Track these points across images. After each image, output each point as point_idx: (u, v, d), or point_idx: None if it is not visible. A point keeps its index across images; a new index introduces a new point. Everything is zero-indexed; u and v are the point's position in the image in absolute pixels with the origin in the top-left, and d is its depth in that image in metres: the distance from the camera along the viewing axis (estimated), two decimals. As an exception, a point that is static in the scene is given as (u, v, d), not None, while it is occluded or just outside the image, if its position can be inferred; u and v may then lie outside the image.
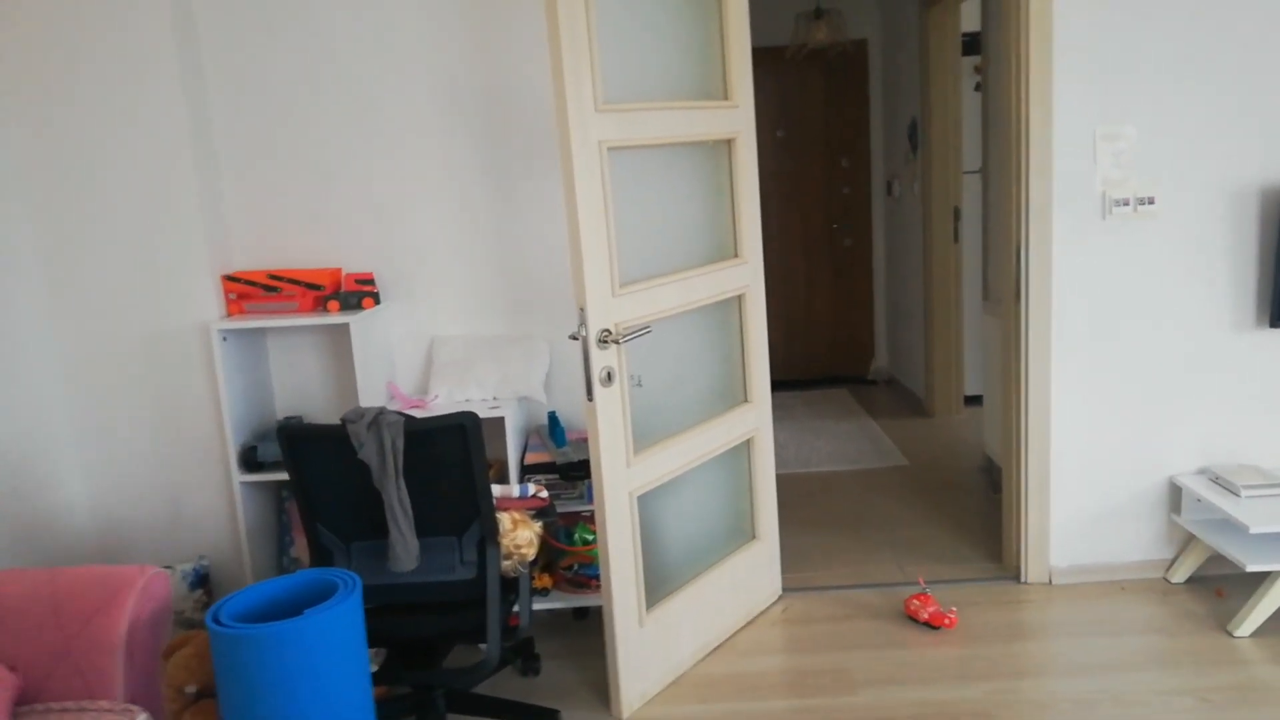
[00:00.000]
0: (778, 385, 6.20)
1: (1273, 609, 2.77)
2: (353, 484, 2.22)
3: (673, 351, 2.76)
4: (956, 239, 5.17)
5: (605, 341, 2.42)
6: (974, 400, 5.35)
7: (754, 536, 3.12)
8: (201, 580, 2.91)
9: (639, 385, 2.61)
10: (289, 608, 2.02)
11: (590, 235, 2.37)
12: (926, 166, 5.14)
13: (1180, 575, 3.14)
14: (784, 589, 3.27)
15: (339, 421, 2.17)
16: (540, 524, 2.42)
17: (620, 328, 2.47)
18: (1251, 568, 2.74)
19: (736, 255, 2.93)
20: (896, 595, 3.18)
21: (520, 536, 2.33)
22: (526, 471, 2.87)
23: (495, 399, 2.93)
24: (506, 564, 2.35)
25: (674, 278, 2.65)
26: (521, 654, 2.82)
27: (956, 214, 5.14)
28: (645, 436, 2.63)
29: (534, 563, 2.92)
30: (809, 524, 3.84)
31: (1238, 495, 2.90)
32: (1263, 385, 3.07)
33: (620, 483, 2.50)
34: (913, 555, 3.49)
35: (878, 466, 4.51)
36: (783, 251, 6.12)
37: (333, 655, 1.86)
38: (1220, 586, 3.08)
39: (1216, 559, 3.13)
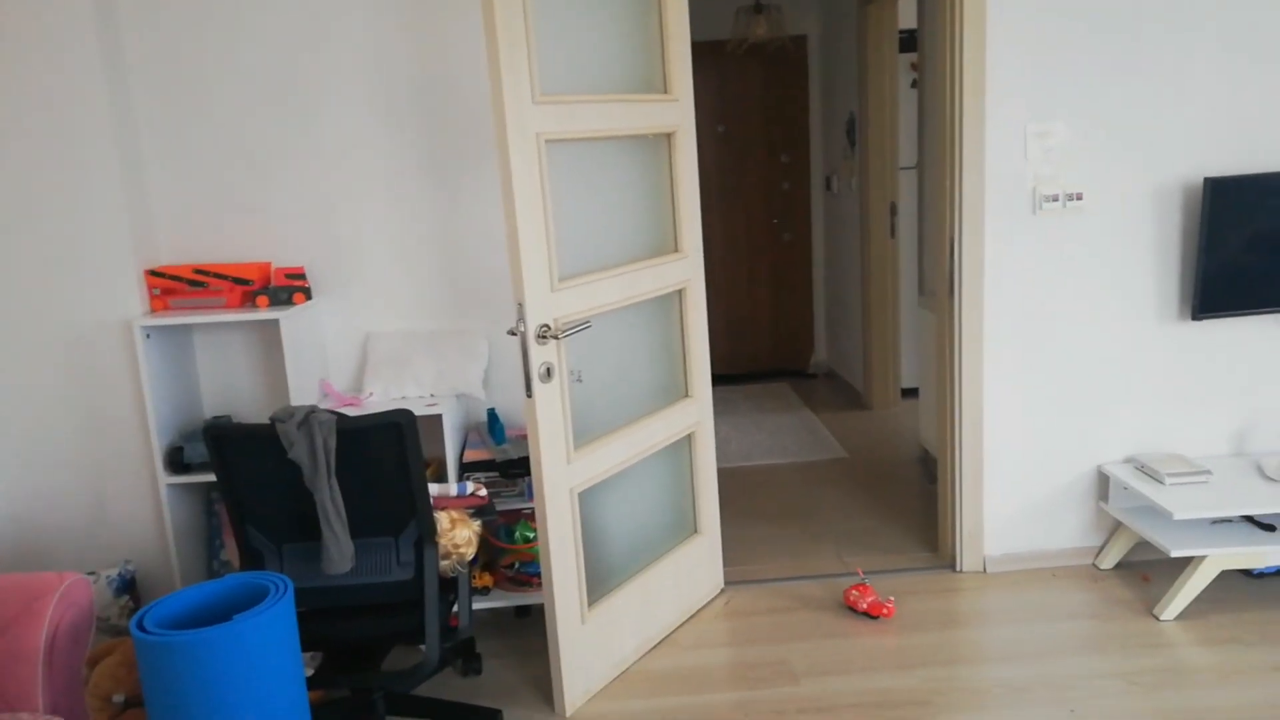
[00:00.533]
0: (719, 379, 6.22)
1: (1196, 592, 2.86)
2: (283, 485, 2.16)
3: (613, 347, 2.74)
4: (893, 234, 5.24)
5: (544, 337, 2.40)
6: (911, 393, 5.44)
7: (696, 531, 3.12)
8: (127, 586, 2.81)
9: (579, 381, 2.58)
10: (218, 613, 1.96)
11: (528, 229, 2.34)
12: (864, 162, 5.21)
13: (1108, 561, 3.23)
14: (726, 582, 3.28)
15: (268, 420, 2.11)
16: (479, 522, 2.38)
17: (559, 323, 2.45)
18: (1176, 553, 2.82)
19: (677, 250, 2.93)
20: (836, 586, 3.21)
21: (459, 535, 2.30)
22: (465, 469, 2.83)
23: (433, 396, 2.88)
24: (445, 563, 2.31)
25: (614, 272, 2.64)
26: (462, 654, 2.78)
27: (893, 209, 5.22)
28: (586, 432, 2.62)
29: (473, 561, 2.88)
30: (751, 517, 3.87)
31: (1162, 483, 2.99)
32: (1186, 376, 3.17)
33: (560, 480, 2.48)
34: (852, 546, 3.53)
35: (818, 459, 4.56)
36: (724, 247, 6.15)
37: (264, 661, 1.80)
38: (1146, 572, 3.18)
39: (1143, 545, 3.23)
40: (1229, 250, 3.01)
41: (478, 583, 2.89)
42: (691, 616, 3.06)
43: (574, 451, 2.53)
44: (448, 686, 2.73)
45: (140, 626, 1.79)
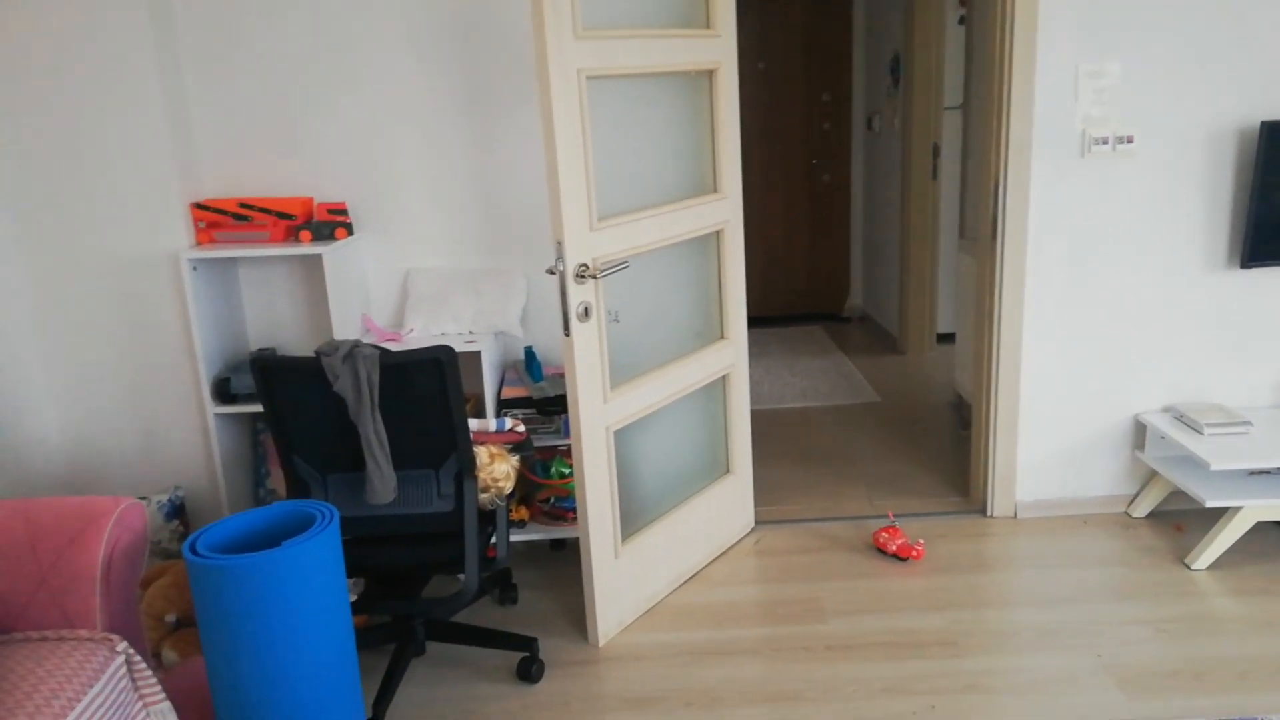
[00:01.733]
0: (753, 322, 6.21)
1: (1229, 543, 2.86)
2: (328, 417, 2.22)
3: (651, 287, 2.74)
4: (935, 176, 5.15)
5: (582, 276, 2.41)
6: (946, 338, 5.40)
7: (728, 471, 3.15)
8: (177, 511, 2.91)
9: (616, 321, 2.60)
10: (267, 539, 2.02)
11: (568, 168, 2.34)
12: (908, 102, 5.09)
13: (1141, 510, 3.23)
14: (757, 522, 3.33)
15: (313, 354, 2.15)
16: (517, 458, 2.43)
17: (598, 262, 2.45)
18: (1211, 503, 2.82)
19: (716, 190, 2.91)
20: (866, 528, 3.24)
21: (497, 470, 2.35)
22: (503, 406, 2.88)
23: (471, 333, 2.91)
24: (484, 497, 2.36)
25: (653, 212, 2.63)
26: (499, 584, 2.86)
27: (936, 151, 5.12)
28: (622, 372, 2.64)
29: (511, 495, 2.95)
30: (783, 458, 3.90)
31: (1200, 433, 2.97)
32: (1231, 326, 3.12)
33: (597, 418, 2.51)
34: (883, 489, 3.55)
35: (850, 403, 4.56)
36: (761, 187, 6.08)
37: (311, 586, 1.87)
38: (1180, 521, 3.18)
39: (1177, 495, 3.21)
40: (1284, 197, 2.93)
41: (515, 516, 2.96)
42: (722, 554, 3.11)
43: (610, 391, 2.55)
44: (485, 615, 2.81)
45: (193, 550, 1.86)
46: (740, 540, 3.20)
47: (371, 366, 2.13)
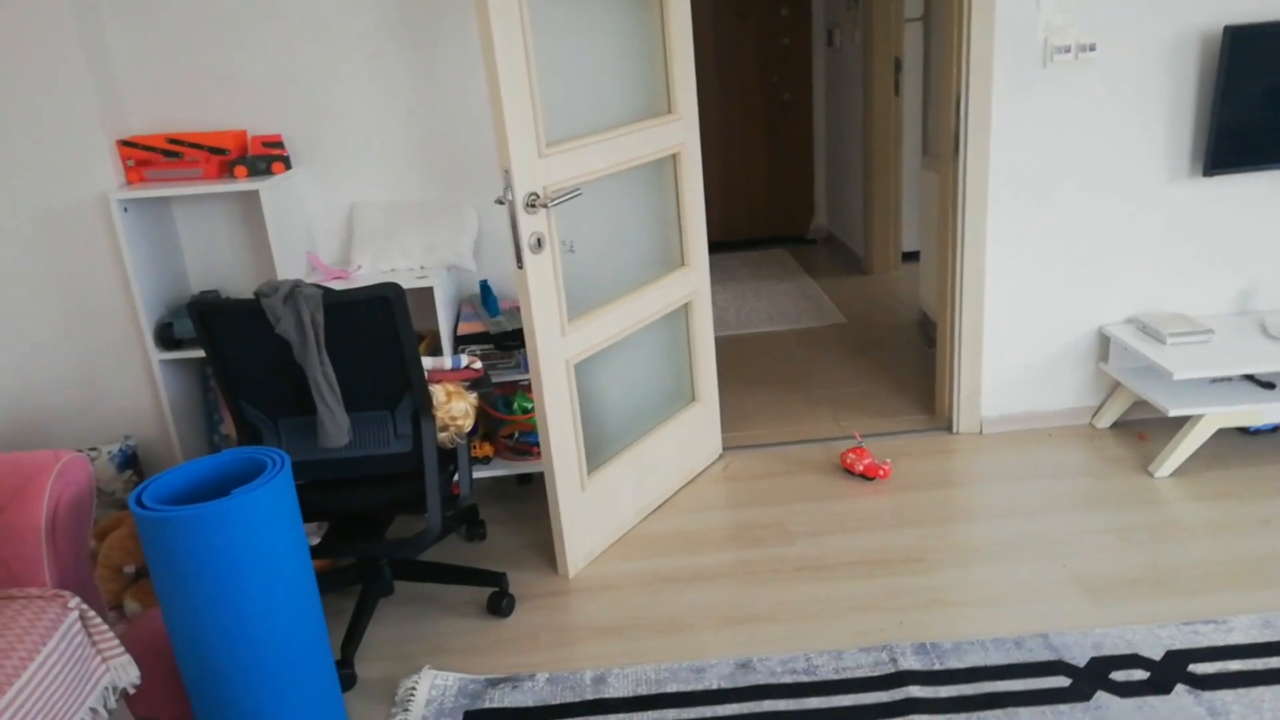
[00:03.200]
0: (717, 247, 6.14)
1: (1191, 450, 2.88)
2: (274, 360, 2.14)
3: (606, 215, 2.66)
4: (898, 91, 5.04)
5: (533, 206, 2.32)
6: (912, 257, 5.37)
7: (694, 399, 3.12)
8: (129, 461, 2.83)
9: (571, 251, 2.52)
10: (217, 488, 1.96)
11: (512, 90, 2.23)
12: (868, 14, 4.96)
13: (1105, 421, 3.25)
14: (725, 448, 3.31)
15: (252, 296, 2.06)
16: (475, 395, 2.37)
17: (549, 190, 2.36)
18: (1174, 412, 2.83)
19: (670, 111, 2.80)
20: (834, 449, 3.24)
21: (455, 408, 2.29)
22: (460, 342, 2.81)
23: (423, 268, 2.82)
24: (443, 435, 2.31)
25: (604, 136, 2.53)
26: (466, 521, 2.83)
27: (898, 65, 5.00)
28: (580, 304, 2.57)
29: (473, 432, 2.90)
30: (749, 384, 3.87)
31: (1163, 343, 2.97)
32: (1194, 235, 3.10)
33: (556, 352, 2.45)
34: (850, 410, 3.55)
35: (817, 325, 4.53)
36: (719, 107, 5.93)
37: (264, 534, 1.82)
38: (1143, 430, 3.20)
39: (1140, 405, 3.23)
40: (1245, 103, 2.88)
41: (479, 452, 2.91)
42: (691, 481, 3.10)
43: (568, 324, 2.49)
44: (453, 552, 2.79)
45: (139, 503, 1.80)
46: (708, 467, 3.19)
47: (315, 307, 2.04)
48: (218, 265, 2.93)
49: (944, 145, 3.16)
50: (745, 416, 3.57)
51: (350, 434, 2.17)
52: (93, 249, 2.75)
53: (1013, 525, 2.70)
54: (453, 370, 2.38)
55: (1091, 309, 3.18)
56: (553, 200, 2.34)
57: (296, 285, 2.06)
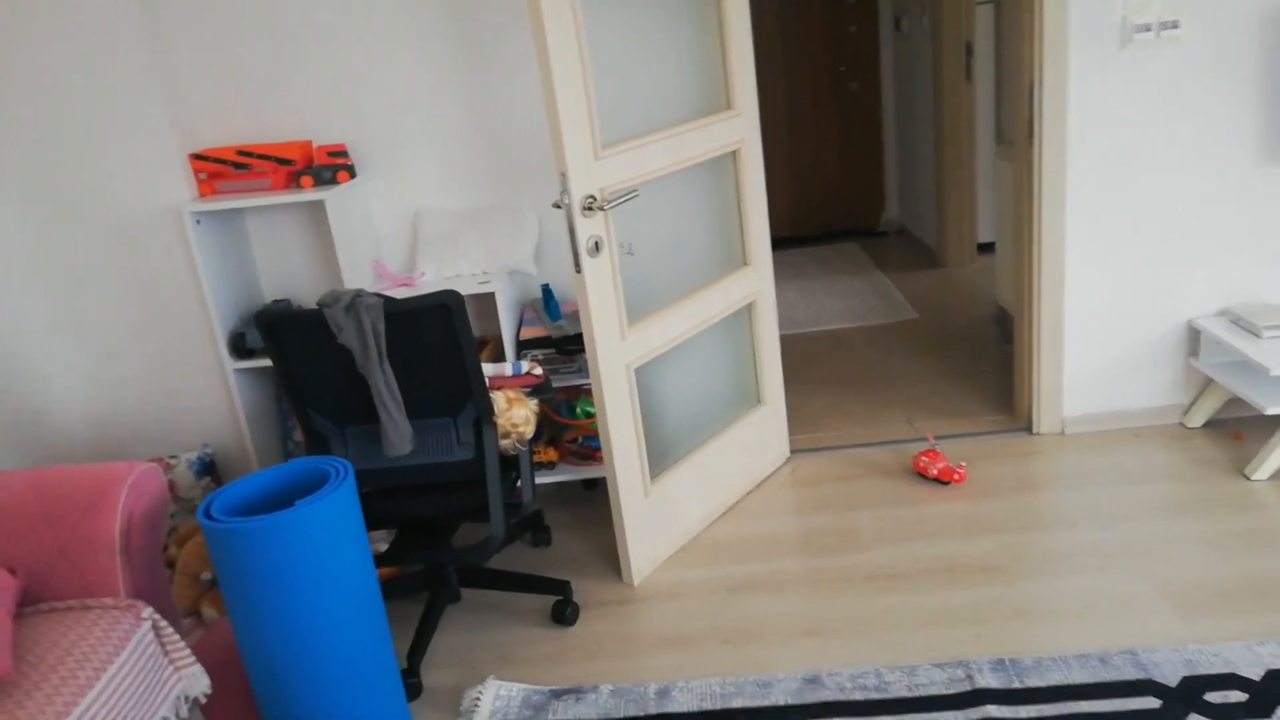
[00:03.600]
0: (786, 243, 6.03)
1: (1291, 450, 2.71)
2: (339, 369, 2.15)
3: (665, 215, 2.62)
4: (969, 77, 4.88)
5: (590, 208, 2.29)
6: (987, 248, 5.18)
7: (759, 401, 3.06)
8: (207, 468, 2.90)
9: (630, 254, 2.49)
10: (283, 498, 1.99)
11: (567, 92, 2.20)
12: (938, -1, 4.80)
13: (1197, 420, 3.08)
14: (792, 451, 3.24)
15: (315, 306, 2.08)
16: (536, 401, 2.36)
17: (606, 193, 2.33)
18: (1271, 410, 2.66)
19: (729, 107, 2.74)
20: (906, 452, 3.14)
21: (516, 415, 2.28)
22: (522, 347, 2.80)
23: (485, 274, 2.82)
24: (505, 443, 2.30)
25: (661, 135, 2.49)
26: (531, 526, 2.82)
27: (969, 49, 4.83)
28: (640, 307, 2.54)
29: (536, 438, 2.89)
30: (818, 383, 3.79)
31: (1258, 336, 2.80)
32: (1292, 220, 2.91)
33: (615, 356, 2.42)
34: (923, 410, 3.44)
35: (888, 322, 4.42)
36: (786, 99, 5.83)
37: (326, 544, 1.83)
38: (1238, 430, 3.02)
39: (1235, 402, 3.05)
40: (1352, 76, 2.69)
41: (543, 457, 2.90)
42: (758, 486, 3.04)
43: (628, 327, 2.46)
44: (518, 558, 2.79)
45: (207, 514, 1.83)
46: (776, 471, 3.12)
47: (376, 316, 2.05)
48: (289, 274, 2.98)
49: (1018, 132, 3.03)
50: (813, 418, 3.49)
51: (413, 442, 2.18)
52: (168, 260, 2.83)
53: (1098, 533, 2.57)
54: (513, 377, 2.37)
55: (1180, 301, 3.01)
56: (610, 202, 2.31)
57: (358, 295, 2.07)
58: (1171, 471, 2.83)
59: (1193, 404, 3.10)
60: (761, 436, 3.05)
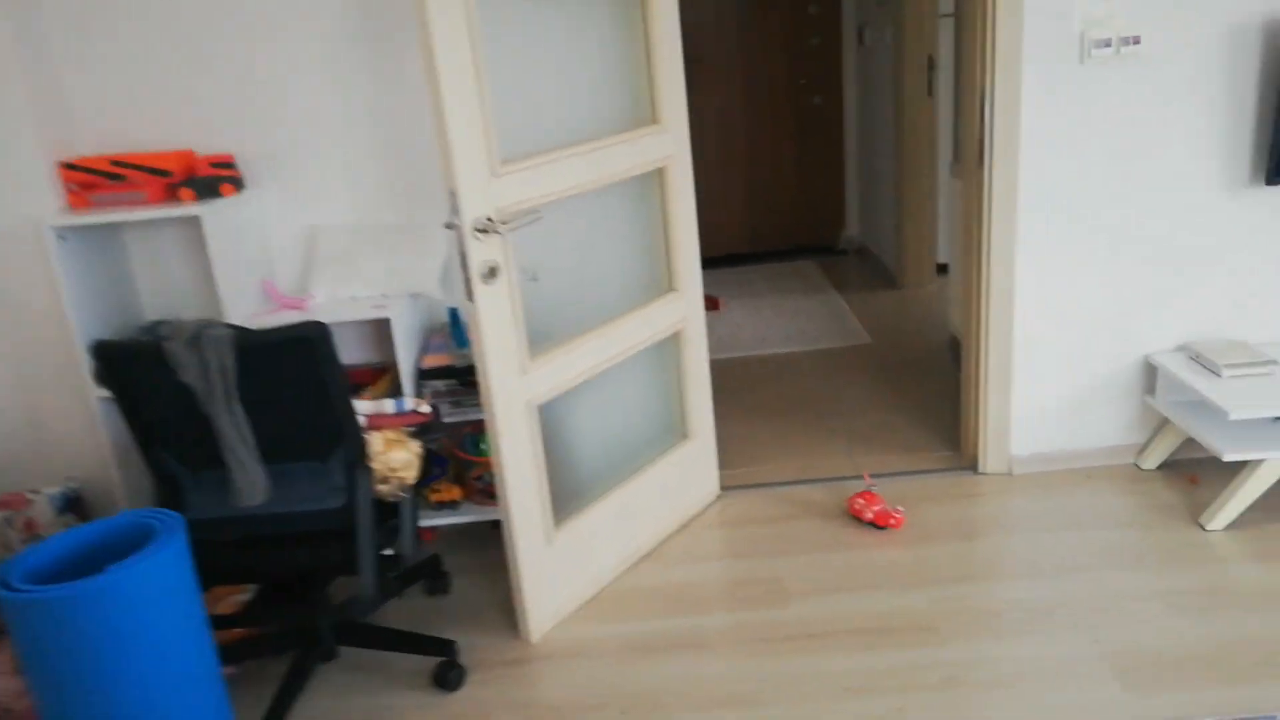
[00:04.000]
0: (739, 260, 5.83)
1: (1249, 500, 2.52)
2: (187, 408, 1.91)
3: (579, 237, 2.40)
4: (930, 91, 4.70)
5: (485, 231, 2.06)
6: (947, 270, 5.00)
7: (686, 436, 2.84)
8: (70, 504, 2.64)
9: (534, 280, 2.26)
10: (107, 557, 1.74)
11: (458, 102, 1.97)
12: (899, 10, 4.62)
13: (1152, 461, 2.89)
14: (724, 487, 3.02)
15: (154, 337, 1.84)
16: (421, 443, 2.12)
17: (504, 214, 2.11)
18: (1230, 456, 2.47)
19: (655, 121, 2.53)
20: (844, 490, 2.93)
21: (394, 459, 2.04)
22: (424, 377, 2.56)
23: (384, 296, 2.59)
24: (384, 488, 2.07)
25: (575, 151, 2.26)
26: (426, 575, 2.58)
27: (931, 63, 4.66)
28: (547, 337, 2.31)
29: (436, 476, 2.66)
30: (759, 412, 3.57)
31: (1218, 375, 2.61)
32: (1256, 251, 2.73)
33: (514, 393, 2.19)
34: (866, 444, 3.23)
35: (839, 346, 4.21)
36: (745, 111, 5.63)
37: (147, 612, 1.59)
38: (1194, 473, 2.83)
39: (1192, 443, 2.87)
40: (1317, 99, 2.52)
41: (445, 496, 2.67)
42: (683, 526, 2.82)
43: (530, 361, 2.23)
44: (411, 608, 2.55)
45: (4, 583, 1.58)
46: (703, 510, 2.90)
47: (223, 351, 1.81)
48: (173, 294, 2.73)
49: (968, 151, 2.83)
50: (750, 450, 3.27)
51: (267, 491, 1.94)
52: (32, 279, 2.57)
53: (1041, 587, 2.37)
54: (395, 415, 2.14)
55: (1137, 335, 2.82)
56: (509, 225, 2.09)
57: (205, 326, 1.83)
58: (1122, 518, 2.63)
59: (1148, 444, 2.91)
60: (687, 474, 2.83)
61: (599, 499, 2.52)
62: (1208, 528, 2.55)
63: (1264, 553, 2.42)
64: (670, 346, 2.74)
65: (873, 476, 2.99)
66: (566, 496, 2.45)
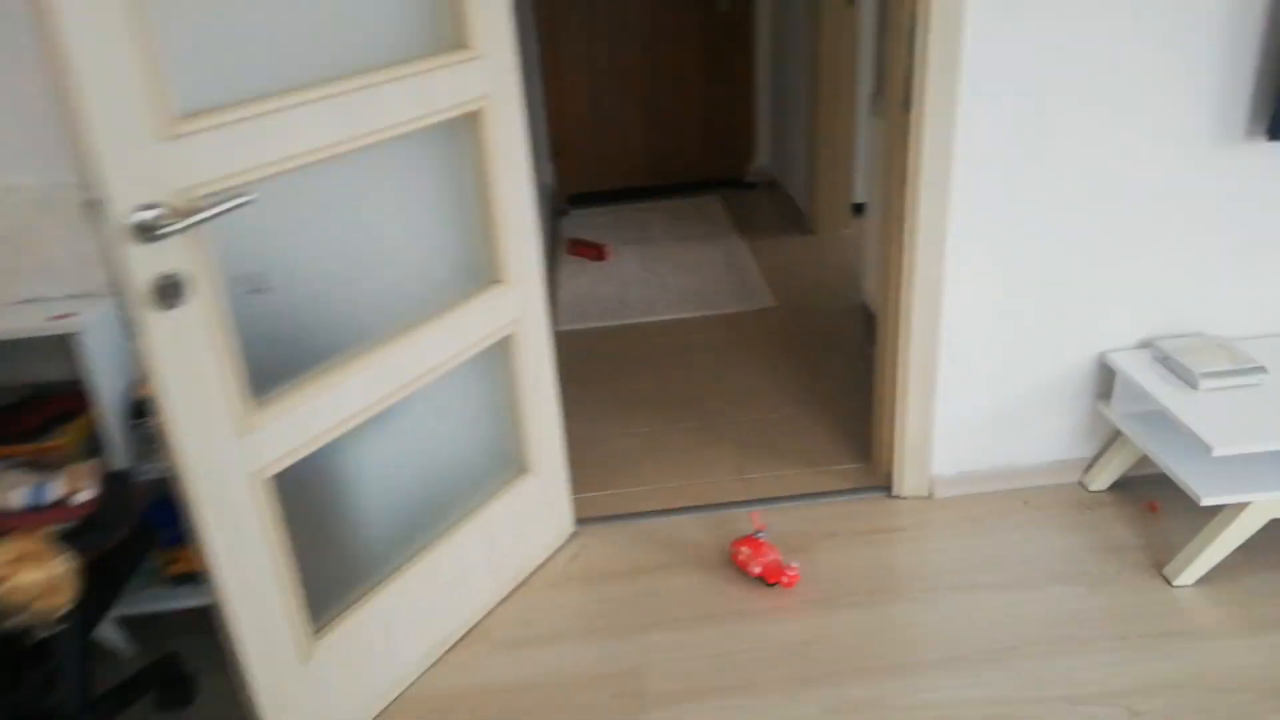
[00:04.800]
0: (637, 194, 5.10)
1: (1228, 550, 2.00)
2: None
3: (343, 220, 1.67)
4: (852, 1, 3.97)
5: (153, 230, 1.32)
6: (863, 209, 4.38)
7: (525, 470, 2.18)
8: None
9: (260, 291, 1.54)
10: None
11: (86, 14, 1.21)
12: (812, -99, 3.85)
13: (1102, 480, 2.35)
14: (580, 519, 2.39)
15: None
16: (74, 553, 1.42)
17: (188, 199, 1.37)
18: (1209, 501, 1.93)
19: (462, 46, 1.78)
20: (729, 524, 2.33)
21: (23, 580, 1.34)
22: (138, 414, 1.83)
23: (75, 297, 1.82)
24: (18, 621, 1.37)
25: (307, 96, 1.51)
26: (156, 682, 1.90)
27: (849, -32, 3.92)
28: (288, 375, 1.60)
29: (76, 615, 1.95)
30: (634, 408, 2.93)
31: (1194, 387, 2.06)
32: (1246, 221, 2.15)
33: (228, 464, 1.49)
34: (759, 454, 2.62)
35: (738, 310, 3.58)
36: (638, 18, 4.81)
37: None
38: (1153, 499, 2.31)
39: (1150, 458, 2.33)
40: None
41: (178, 569, 1.97)
42: (522, 583, 2.19)
43: (254, 415, 1.52)
44: (147, 720, 1.88)
45: None
46: (551, 557, 2.27)
47: None
48: None
49: (892, 89, 2.16)
50: (618, 464, 2.64)
51: None
52: None
53: (964, 683, 1.82)
54: (29, 512, 1.42)
55: (1091, 327, 2.25)
56: (194, 217, 1.35)
57: None
58: (1068, 567, 2.10)
59: (1097, 459, 2.37)
60: (526, 516, 2.19)
61: (394, 575, 1.86)
62: (1175, 582, 2.03)
63: (1249, 622, 1.91)
64: (499, 357, 2.05)
65: (766, 503, 2.40)
66: (339, 586, 1.78)
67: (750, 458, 2.61)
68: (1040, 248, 2.15)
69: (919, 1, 1.96)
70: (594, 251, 4.24)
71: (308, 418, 1.60)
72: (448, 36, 1.77)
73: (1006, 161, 2.07)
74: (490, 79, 1.84)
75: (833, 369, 3.07)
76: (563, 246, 4.41)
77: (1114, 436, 2.34)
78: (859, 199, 4.37)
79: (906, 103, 2.08)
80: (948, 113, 2.02)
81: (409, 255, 1.81)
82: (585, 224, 4.71)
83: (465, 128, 1.85)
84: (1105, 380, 2.30)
